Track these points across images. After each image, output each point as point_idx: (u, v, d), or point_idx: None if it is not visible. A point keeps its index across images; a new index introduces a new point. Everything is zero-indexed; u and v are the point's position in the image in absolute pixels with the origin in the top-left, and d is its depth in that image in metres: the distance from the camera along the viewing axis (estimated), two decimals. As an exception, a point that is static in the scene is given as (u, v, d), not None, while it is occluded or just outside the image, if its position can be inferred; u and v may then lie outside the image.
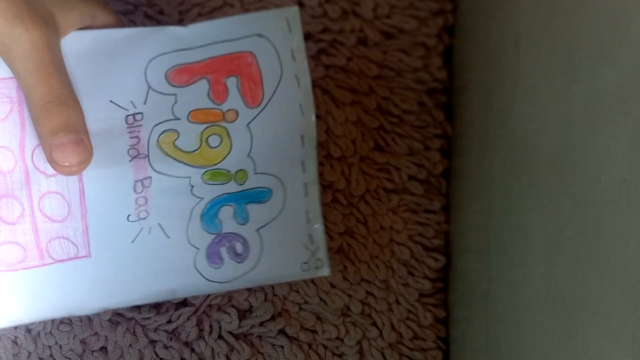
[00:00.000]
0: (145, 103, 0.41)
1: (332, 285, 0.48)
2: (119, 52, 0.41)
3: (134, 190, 0.40)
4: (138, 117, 0.41)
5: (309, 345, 0.47)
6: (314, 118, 0.43)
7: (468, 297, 0.47)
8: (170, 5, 0.51)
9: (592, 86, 0.33)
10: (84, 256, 0.39)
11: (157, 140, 0.41)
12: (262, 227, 0.42)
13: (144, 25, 0.51)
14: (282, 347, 0.47)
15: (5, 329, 0.47)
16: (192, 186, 0.41)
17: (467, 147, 0.50)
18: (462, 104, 0.51)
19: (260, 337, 0.47)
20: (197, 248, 0.41)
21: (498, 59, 0.45)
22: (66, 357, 0.46)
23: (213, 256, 0.41)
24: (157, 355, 0.46)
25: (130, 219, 0.40)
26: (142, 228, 0.40)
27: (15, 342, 0.46)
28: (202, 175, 0.41)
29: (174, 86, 0.41)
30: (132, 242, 0.40)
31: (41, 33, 0.37)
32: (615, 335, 0.30)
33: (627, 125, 0.30)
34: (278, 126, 0.42)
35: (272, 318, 0.47)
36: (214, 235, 0.41)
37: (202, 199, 0.41)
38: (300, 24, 0.42)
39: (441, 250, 0.50)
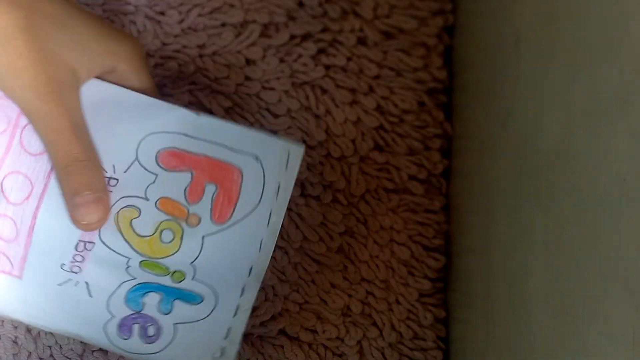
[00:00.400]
0: (125, 172, 0.42)
1: (333, 285, 0.48)
2: (123, 114, 0.43)
3: (75, 248, 0.41)
4: (112, 182, 0.42)
5: (309, 345, 0.47)
6: (269, 258, 0.42)
7: (468, 297, 0.47)
8: (170, 5, 0.51)
9: (593, 86, 0.33)
10: (16, 276, 0.42)
11: (117, 212, 0.42)
12: (181, 323, 0.42)
13: (144, 27, 0.51)
14: (283, 347, 0.47)
15: (5, 329, 0.47)
16: (129, 266, 0.42)
17: (467, 147, 0.50)
18: (462, 104, 0.51)
19: (260, 337, 0.47)
20: (113, 315, 0.42)
21: (498, 58, 0.45)
22: (66, 357, 0.46)
23: (124, 328, 0.42)
24: (157, 355, 0.46)
25: (63, 268, 0.42)
26: (71, 279, 0.42)
27: (15, 342, 0.46)
28: (140, 261, 0.42)
29: (159, 166, 0.42)
30: (58, 285, 0.42)
31: (58, 104, 0.39)
32: (615, 335, 0.30)
33: (627, 125, 0.30)
34: (231, 251, 0.42)
35: (273, 318, 0.47)
36: (132, 312, 0.42)
37: (134, 278, 0.42)
38: (299, 164, 0.42)
39: (441, 250, 0.50)
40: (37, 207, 0.42)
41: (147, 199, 0.42)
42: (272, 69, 0.50)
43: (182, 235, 0.42)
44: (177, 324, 0.42)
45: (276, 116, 0.50)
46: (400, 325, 0.48)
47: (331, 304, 0.47)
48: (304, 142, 0.49)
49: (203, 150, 0.42)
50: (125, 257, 0.42)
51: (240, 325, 0.42)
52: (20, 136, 0.42)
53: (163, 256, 0.42)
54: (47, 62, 0.39)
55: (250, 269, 0.42)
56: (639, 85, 0.29)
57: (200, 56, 0.50)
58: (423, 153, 0.51)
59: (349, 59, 0.51)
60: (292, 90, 0.50)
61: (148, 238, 0.42)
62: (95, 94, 0.42)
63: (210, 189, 0.42)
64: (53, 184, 0.41)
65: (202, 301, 0.42)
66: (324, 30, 0.51)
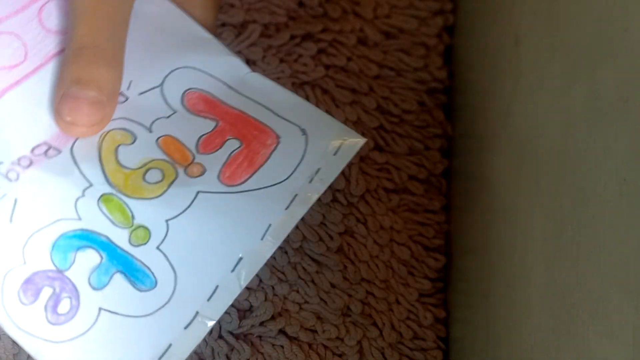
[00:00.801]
0: (140, 94, 0.35)
1: (332, 285, 0.48)
2: (169, 34, 0.36)
3: (32, 149, 0.33)
4: (120, 98, 0.35)
5: (309, 345, 0.47)
6: (268, 254, 0.33)
7: (468, 297, 0.47)
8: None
9: (592, 85, 0.33)
10: None
11: (108, 131, 0.34)
12: (108, 311, 0.31)
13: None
14: (282, 347, 0.47)
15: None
16: (83, 195, 0.33)
17: (467, 147, 0.50)
18: (462, 104, 0.51)
19: (260, 337, 0.47)
20: (24, 261, 0.31)
21: (498, 58, 0.45)
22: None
23: (30, 286, 0.31)
24: (157, 355, 0.46)
25: None
26: (1, 187, 0.32)
27: (15, 342, 0.46)
28: (103, 194, 0.33)
29: (182, 105, 0.35)
30: None
31: None
32: (615, 335, 0.30)
33: (627, 125, 0.30)
34: (224, 225, 0.33)
35: (272, 318, 0.47)
36: (52, 268, 0.31)
37: (79, 219, 0.32)
38: (352, 156, 0.35)
39: (441, 250, 0.50)
40: (14, 83, 0.34)
41: (150, 131, 0.34)
42: (272, 69, 0.50)
43: (172, 181, 0.33)
44: (103, 309, 0.31)
45: (276, 116, 0.50)
46: (400, 325, 0.48)
47: (331, 303, 0.47)
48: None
49: (241, 106, 0.36)
50: (88, 180, 0.33)
51: (189, 343, 0.31)
52: (43, 5, 0.35)
53: (136, 196, 0.33)
54: None
55: (238, 262, 0.33)
56: (638, 85, 0.29)
57: (201, 56, 0.50)
58: (423, 153, 0.51)
59: (349, 59, 0.51)
60: (293, 90, 0.50)
61: (128, 171, 0.33)
62: (152, 2, 0.36)
63: (231, 145, 0.35)
64: (48, 70, 0.34)
65: (151, 288, 0.32)
66: (324, 30, 0.51)
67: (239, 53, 0.50)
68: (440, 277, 0.50)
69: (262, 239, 0.33)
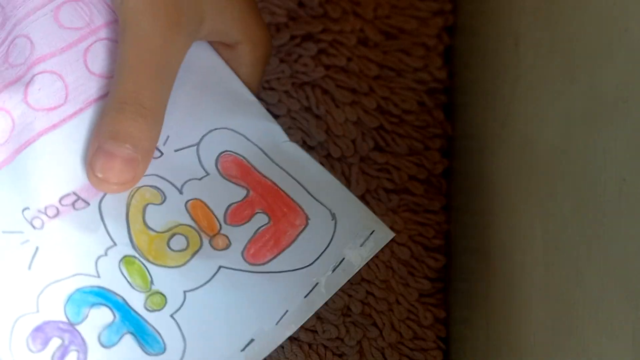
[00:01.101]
0: (176, 151, 0.34)
1: (332, 285, 0.48)
2: (213, 93, 0.36)
3: (60, 198, 0.33)
4: (156, 153, 0.34)
5: (309, 345, 0.47)
6: (280, 341, 0.32)
7: (468, 297, 0.47)
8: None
9: (592, 86, 0.33)
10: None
11: (138, 187, 0.33)
12: None
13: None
14: (282, 347, 0.47)
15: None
16: (106, 255, 0.32)
17: (467, 147, 0.50)
18: (462, 104, 0.51)
19: (260, 337, 0.47)
20: (37, 310, 0.31)
21: (498, 58, 0.45)
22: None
23: (39, 334, 0.31)
24: (157, 355, 0.46)
25: (24, 212, 0.32)
26: (22, 232, 0.32)
27: None
28: (125, 256, 0.32)
29: (216, 167, 0.35)
30: (2, 231, 0.32)
31: (163, 33, 0.32)
32: (615, 335, 0.30)
33: (627, 125, 0.30)
34: (241, 303, 0.33)
35: (272, 318, 0.47)
36: (64, 319, 0.31)
37: (97, 276, 0.32)
38: (377, 251, 0.35)
39: (441, 250, 0.50)
40: (51, 127, 0.33)
41: (180, 192, 0.34)
42: (272, 70, 0.50)
43: (196, 251, 0.33)
44: None
45: (276, 116, 0.50)
46: (400, 325, 0.48)
47: (331, 304, 0.47)
48: (304, 142, 0.49)
49: (274, 177, 0.35)
50: (112, 239, 0.32)
51: None
52: (90, 46, 0.34)
53: (159, 262, 0.33)
54: None
55: (249, 343, 0.32)
56: (638, 85, 0.29)
57: (201, 56, 0.50)
58: (423, 153, 0.51)
59: (349, 59, 0.51)
60: (293, 91, 0.50)
61: (154, 234, 0.33)
62: (200, 57, 0.35)
63: (260, 219, 0.34)
64: (87, 115, 0.33)
65: (159, 353, 0.32)
66: (325, 30, 0.51)
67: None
68: (440, 277, 0.50)
69: (276, 323, 0.33)
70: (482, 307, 0.45)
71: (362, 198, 0.49)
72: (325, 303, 0.35)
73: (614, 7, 0.32)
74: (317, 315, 0.47)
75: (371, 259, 0.49)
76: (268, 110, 0.49)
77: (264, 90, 0.50)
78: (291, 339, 0.47)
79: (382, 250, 0.49)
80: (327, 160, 0.49)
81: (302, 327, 0.47)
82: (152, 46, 0.32)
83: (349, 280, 0.48)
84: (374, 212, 0.49)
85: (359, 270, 0.34)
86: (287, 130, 0.49)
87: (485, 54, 0.47)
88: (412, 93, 0.51)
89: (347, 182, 0.49)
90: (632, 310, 0.29)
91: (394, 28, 0.52)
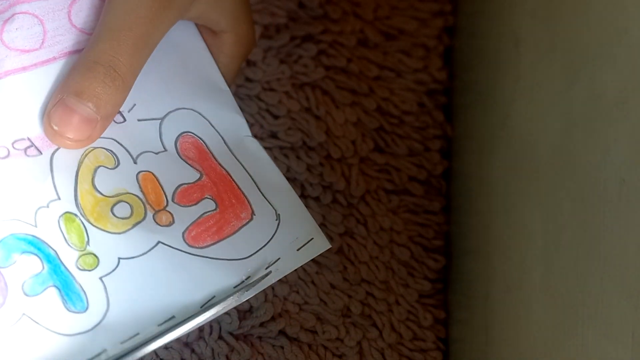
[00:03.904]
0: (139, 120, 0.34)
1: (332, 286, 0.48)
2: (188, 74, 0.36)
3: (13, 142, 0.32)
4: (118, 118, 0.34)
5: (309, 346, 0.47)
6: (201, 321, 0.33)
7: (468, 298, 0.47)
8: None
9: (592, 86, 0.33)
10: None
11: (94, 148, 0.33)
12: (31, 319, 0.31)
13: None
14: (282, 347, 0.47)
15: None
16: (47, 206, 0.32)
17: (467, 148, 0.50)
18: (462, 105, 0.51)
19: (260, 337, 0.47)
20: None
21: (498, 59, 0.45)
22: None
23: None
24: (157, 355, 0.46)
25: None
26: None
27: None
28: (65, 212, 0.32)
29: (175, 146, 0.35)
30: None
31: (153, 5, 0.32)
32: (615, 335, 0.30)
33: (626, 126, 0.30)
34: (173, 280, 0.33)
35: (272, 319, 0.47)
36: None
37: (35, 225, 0.31)
38: (309, 259, 0.35)
39: (441, 251, 0.50)
40: (21, 69, 0.33)
41: (134, 161, 0.34)
42: (272, 70, 0.50)
43: (138, 222, 0.33)
44: (26, 315, 0.31)
45: (276, 117, 0.50)
46: (400, 326, 0.48)
47: (331, 304, 0.48)
48: (304, 142, 0.49)
49: (229, 167, 0.35)
50: (57, 193, 0.32)
51: None
52: (75, 1, 0.34)
53: (99, 225, 0.32)
54: None
55: (170, 318, 0.32)
56: (638, 86, 0.29)
57: (201, 57, 0.50)
58: (423, 154, 0.51)
59: (349, 60, 0.51)
60: (293, 92, 0.50)
61: (100, 196, 0.33)
62: (183, 36, 0.35)
63: (207, 204, 0.34)
64: (59, 66, 0.33)
65: (80, 312, 0.31)
66: (325, 31, 0.51)
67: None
68: (440, 278, 0.50)
69: (201, 306, 0.33)
70: (482, 308, 0.45)
71: (362, 199, 0.49)
72: (256, 297, 0.36)
73: (614, 8, 0.32)
74: (317, 316, 0.47)
75: (373, 260, 0.49)
76: (267, 111, 0.49)
77: (264, 91, 0.50)
78: (291, 339, 0.47)
79: (382, 251, 0.49)
80: (327, 161, 0.49)
81: (302, 327, 0.47)
82: (138, 15, 0.32)
83: (348, 281, 0.48)
84: (374, 212, 0.49)
85: (290, 273, 0.35)
86: (287, 131, 0.50)
87: (485, 55, 0.47)
88: (412, 94, 0.51)
89: (347, 183, 0.49)
90: (631, 310, 0.29)
91: (394, 29, 0.52)
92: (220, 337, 0.46)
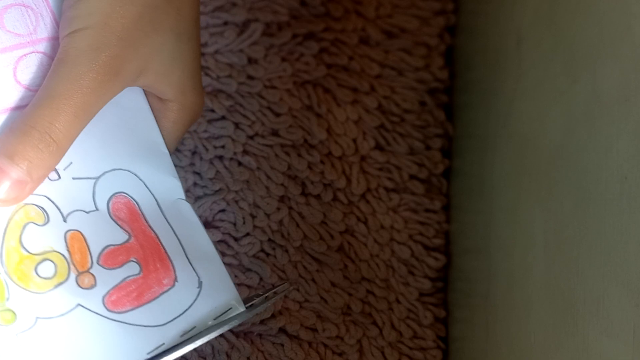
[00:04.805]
0: (74, 179, 0.35)
1: (333, 284, 0.48)
2: (128, 135, 0.36)
3: None
4: (53, 176, 0.35)
5: (309, 344, 0.47)
6: None
7: (468, 296, 0.47)
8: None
9: (594, 85, 0.33)
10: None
11: (25, 204, 0.33)
12: None
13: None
14: (282, 345, 0.47)
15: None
16: None
17: (468, 147, 0.50)
18: (464, 104, 0.51)
19: (260, 335, 0.47)
20: None
21: (499, 58, 0.45)
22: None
23: None
24: (157, 352, 0.46)
25: None
26: None
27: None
28: None
29: (107, 206, 0.35)
30: None
31: (99, 72, 0.33)
32: (616, 333, 0.30)
33: (628, 124, 0.30)
34: (85, 347, 0.33)
35: (273, 316, 0.47)
36: None
37: None
38: (230, 325, 0.36)
39: (441, 249, 0.50)
40: None
41: (64, 220, 0.34)
42: (274, 68, 0.50)
43: (60, 283, 0.33)
44: None
45: (277, 115, 0.50)
46: (400, 324, 0.48)
47: (331, 302, 0.48)
48: (305, 140, 0.49)
49: (159, 230, 0.36)
50: None
51: None
52: (24, 55, 0.34)
53: (20, 284, 0.33)
54: (136, 42, 0.33)
55: None
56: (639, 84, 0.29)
57: (203, 54, 0.50)
58: (424, 153, 0.51)
59: (350, 58, 0.51)
60: (294, 89, 0.50)
61: (26, 253, 0.33)
62: (128, 98, 0.36)
63: (131, 268, 0.35)
64: (0, 120, 0.33)
65: None
66: (326, 29, 0.51)
67: (240, 52, 0.50)
68: (440, 276, 0.50)
69: None
70: (482, 307, 0.45)
71: (362, 197, 0.49)
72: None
73: (616, 6, 0.32)
74: (318, 314, 0.47)
75: (373, 258, 0.49)
76: (269, 108, 0.49)
77: (266, 88, 0.50)
78: (291, 337, 0.47)
79: (382, 249, 0.49)
80: (328, 159, 0.49)
81: (302, 325, 0.47)
82: (82, 85, 0.33)
83: (349, 279, 0.48)
84: (374, 210, 0.49)
85: (206, 341, 0.35)
86: (288, 128, 0.50)
87: (486, 54, 0.47)
88: (414, 92, 0.51)
89: (348, 181, 0.49)
90: (633, 308, 0.29)
91: (395, 27, 0.52)
92: (220, 335, 0.46)
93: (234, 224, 0.48)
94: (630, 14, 0.30)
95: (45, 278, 0.33)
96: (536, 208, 0.38)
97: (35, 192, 0.34)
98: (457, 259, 0.49)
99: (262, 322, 0.47)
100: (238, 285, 0.47)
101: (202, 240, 0.36)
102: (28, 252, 0.33)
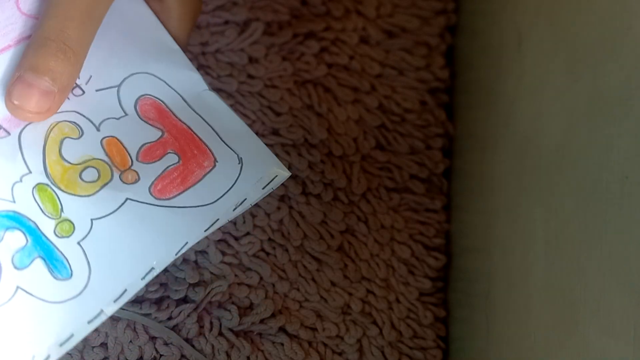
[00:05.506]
0: (97, 90, 0.36)
1: (333, 284, 0.48)
2: (138, 39, 0.37)
3: None
4: (77, 91, 0.36)
5: (309, 343, 0.47)
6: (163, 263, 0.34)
7: (468, 296, 0.47)
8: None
9: (595, 84, 0.33)
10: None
11: (58, 122, 0.35)
12: (24, 291, 0.33)
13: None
14: (282, 344, 0.47)
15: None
16: (21, 181, 0.34)
17: (468, 146, 0.50)
18: (464, 103, 0.51)
19: (260, 334, 0.47)
20: None
21: (500, 58, 0.45)
22: (67, 352, 0.46)
23: None
24: (157, 351, 0.46)
25: None
26: None
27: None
28: (38, 183, 0.34)
29: (134, 109, 0.37)
30: None
31: None
32: (616, 333, 0.30)
33: (629, 123, 0.30)
34: (144, 233, 0.35)
35: (273, 315, 0.47)
36: None
37: (13, 201, 0.34)
38: (273, 189, 0.37)
39: (442, 249, 0.50)
40: None
41: (98, 129, 0.36)
42: (274, 67, 0.50)
43: (105, 183, 0.35)
44: (20, 288, 0.33)
45: (278, 114, 0.50)
46: (400, 324, 0.48)
47: (331, 302, 0.47)
48: (306, 140, 0.49)
49: (189, 122, 0.37)
50: (28, 167, 0.34)
51: (86, 334, 0.33)
52: None
53: (69, 191, 0.34)
54: None
55: (149, 271, 0.34)
56: (641, 83, 0.29)
57: (203, 54, 0.50)
58: (424, 152, 0.51)
59: (351, 58, 0.51)
60: (295, 89, 0.50)
61: (68, 165, 0.35)
62: (128, 5, 0.37)
63: (170, 159, 0.36)
64: (14, 53, 0.35)
65: (66, 278, 0.33)
66: (327, 28, 0.51)
67: (241, 51, 0.50)
68: (440, 276, 0.50)
69: (176, 254, 0.35)
70: (483, 306, 0.45)
71: (363, 196, 0.49)
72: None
73: (617, 5, 0.32)
74: (318, 313, 0.47)
75: (373, 257, 0.49)
76: (269, 107, 0.49)
77: (266, 87, 0.50)
78: (291, 336, 0.47)
79: (382, 248, 0.49)
80: (329, 158, 0.49)
81: (302, 325, 0.47)
82: None
83: (349, 278, 0.48)
84: (375, 210, 0.49)
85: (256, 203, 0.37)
86: (289, 128, 0.50)
87: (487, 53, 0.47)
88: (414, 92, 0.51)
89: (348, 181, 0.49)
90: (633, 307, 0.29)
91: (396, 27, 0.52)
92: (220, 334, 0.46)
93: (234, 223, 0.48)
94: (631, 13, 0.30)
95: (90, 182, 0.35)
96: (537, 208, 0.38)
97: (65, 109, 0.35)
98: (457, 259, 0.49)
99: (262, 321, 0.47)
100: (238, 284, 0.47)
101: (234, 123, 0.38)
102: (70, 163, 0.35)
